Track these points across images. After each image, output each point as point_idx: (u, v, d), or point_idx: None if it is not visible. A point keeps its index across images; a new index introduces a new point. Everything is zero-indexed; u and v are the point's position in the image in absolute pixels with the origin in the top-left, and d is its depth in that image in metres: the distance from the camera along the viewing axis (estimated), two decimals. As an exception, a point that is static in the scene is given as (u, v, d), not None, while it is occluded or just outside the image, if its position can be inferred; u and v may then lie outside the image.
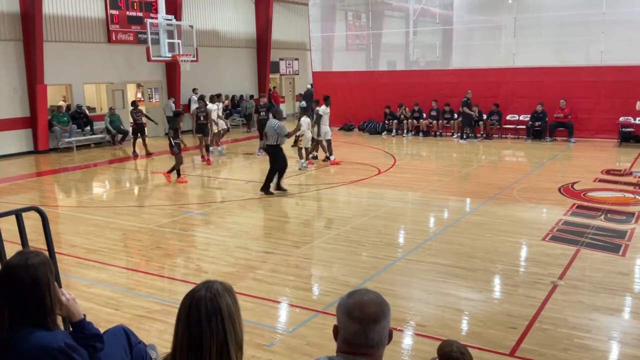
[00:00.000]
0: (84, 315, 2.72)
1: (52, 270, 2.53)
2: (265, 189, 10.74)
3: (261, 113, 15.90)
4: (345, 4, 23.81)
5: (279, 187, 10.84)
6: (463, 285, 6.07)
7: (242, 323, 2.09)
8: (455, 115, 18.85)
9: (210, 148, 16.00)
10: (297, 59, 27.76)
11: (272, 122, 10.76)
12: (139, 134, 16.30)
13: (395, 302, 5.47)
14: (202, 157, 15.02)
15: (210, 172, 13.62)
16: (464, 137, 18.03)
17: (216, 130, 16.19)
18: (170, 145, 12.12)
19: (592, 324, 5.09)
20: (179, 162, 12.16)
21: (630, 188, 10.70)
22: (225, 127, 17.12)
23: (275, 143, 10.67)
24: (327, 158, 14.12)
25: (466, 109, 17.74)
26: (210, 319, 1.99)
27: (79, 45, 18.06)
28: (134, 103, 16.91)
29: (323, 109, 13.91)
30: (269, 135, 10.75)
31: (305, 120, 13.39)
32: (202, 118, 14.95)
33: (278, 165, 10.72)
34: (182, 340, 2.01)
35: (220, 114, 16.86)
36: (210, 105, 15.88)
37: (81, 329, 2.65)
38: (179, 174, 12.23)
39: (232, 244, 7.79)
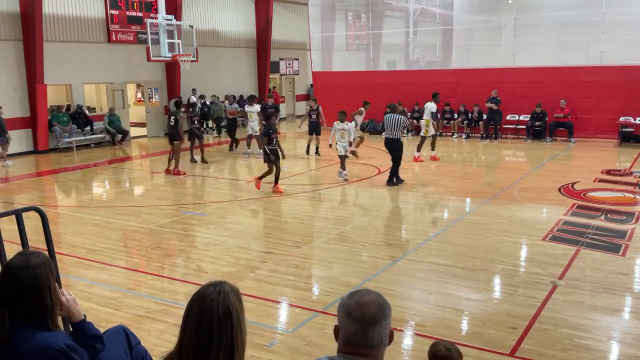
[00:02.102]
0: (85, 315, 2.72)
1: (52, 271, 2.53)
2: (391, 181, 11.21)
3: None
4: (345, 4, 23.82)
5: (398, 178, 11.31)
6: (463, 285, 6.07)
7: (246, 325, 2.10)
8: (456, 115, 18.85)
9: (249, 150, 15.72)
10: (297, 59, 27.76)
11: (395, 116, 11.05)
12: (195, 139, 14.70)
13: (395, 302, 5.46)
14: (175, 169, 13.15)
15: (211, 172, 13.62)
16: (490, 137, 17.91)
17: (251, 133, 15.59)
18: (265, 152, 10.64)
19: (592, 324, 5.09)
20: (271, 171, 10.71)
21: (630, 188, 10.70)
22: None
23: (398, 137, 11.09)
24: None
25: (493, 105, 17.57)
26: (220, 325, 1.99)
27: (79, 45, 18.06)
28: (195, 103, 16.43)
29: (433, 105, 14.10)
30: (391, 129, 11.03)
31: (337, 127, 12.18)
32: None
33: (401, 156, 11.36)
34: (190, 344, 2.00)
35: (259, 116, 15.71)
36: (246, 107, 15.62)
37: (81, 330, 2.64)
38: (276, 182, 10.88)
39: (232, 244, 7.79)
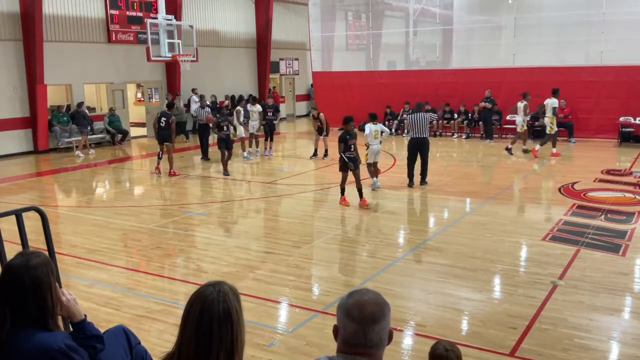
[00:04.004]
0: (85, 315, 2.72)
1: (53, 271, 2.53)
2: (424, 181, 11.43)
3: (268, 114, 15.85)
4: (345, 4, 23.81)
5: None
6: (463, 285, 6.07)
7: (245, 325, 2.10)
8: (456, 115, 18.86)
9: (247, 152, 15.50)
10: (297, 59, 27.76)
11: (423, 115, 11.16)
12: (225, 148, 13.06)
13: (395, 302, 5.47)
14: (171, 170, 12.95)
15: (211, 172, 13.61)
16: (489, 137, 17.91)
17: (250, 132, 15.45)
18: (342, 160, 9.64)
19: (592, 324, 5.10)
20: (345, 179, 9.75)
21: (630, 188, 10.70)
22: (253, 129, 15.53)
23: (427, 135, 11.26)
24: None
25: (487, 104, 17.60)
26: (221, 325, 1.99)
27: (79, 45, 18.05)
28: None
29: (554, 101, 14.34)
30: (421, 128, 11.08)
31: (371, 127, 10.94)
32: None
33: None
34: (190, 345, 2.00)
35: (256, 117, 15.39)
36: (252, 107, 15.57)
37: (82, 330, 2.65)
38: (360, 194, 9.68)
39: (232, 244, 7.79)
